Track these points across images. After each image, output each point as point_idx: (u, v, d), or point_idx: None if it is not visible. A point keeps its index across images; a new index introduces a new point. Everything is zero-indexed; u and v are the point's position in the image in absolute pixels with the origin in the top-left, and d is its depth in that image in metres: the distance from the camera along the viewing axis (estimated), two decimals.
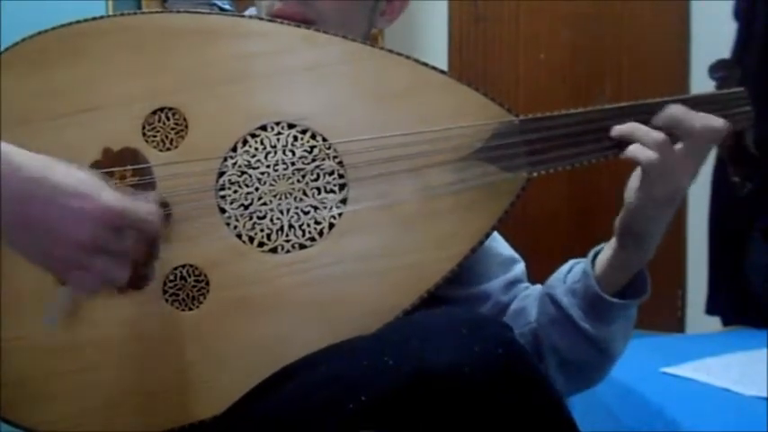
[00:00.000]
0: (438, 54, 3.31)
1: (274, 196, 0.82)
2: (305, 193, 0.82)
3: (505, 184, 0.84)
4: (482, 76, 3.33)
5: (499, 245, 1.03)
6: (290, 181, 0.83)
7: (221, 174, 0.82)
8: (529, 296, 0.98)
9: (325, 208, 0.82)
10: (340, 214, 0.82)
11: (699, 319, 2.35)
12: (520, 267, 1.02)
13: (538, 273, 0.98)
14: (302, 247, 0.82)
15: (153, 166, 0.82)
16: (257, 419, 0.77)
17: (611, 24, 3.23)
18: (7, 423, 0.80)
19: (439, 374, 0.68)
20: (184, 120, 0.83)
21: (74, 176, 0.69)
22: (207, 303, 0.81)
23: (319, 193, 0.83)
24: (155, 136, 0.83)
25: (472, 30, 3.37)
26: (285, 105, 0.84)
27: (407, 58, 0.86)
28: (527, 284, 1.01)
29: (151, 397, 0.80)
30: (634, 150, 0.82)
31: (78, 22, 0.85)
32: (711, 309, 2.10)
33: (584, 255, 0.95)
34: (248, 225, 0.82)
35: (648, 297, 0.90)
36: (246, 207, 0.82)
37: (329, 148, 0.83)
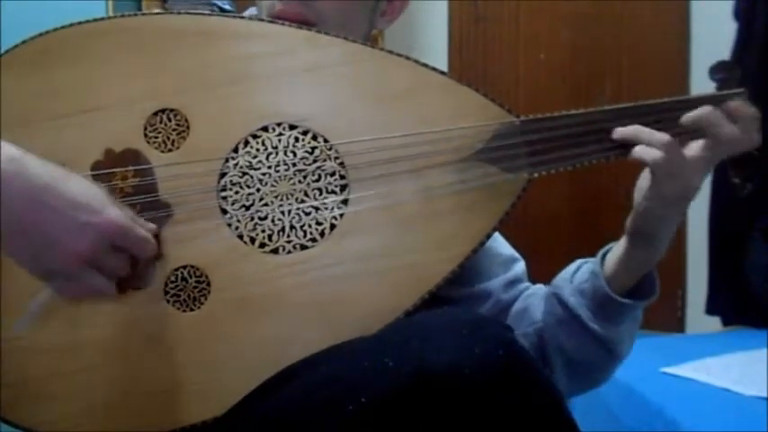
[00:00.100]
0: (438, 54, 3.31)
1: (276, 197, 0.82)
2: (306, 194, 0.83)
3: (506, 184, 0.84)
4: (482, 76, 3.32)
5: (499, 244, 1.03)
6: (292, 182, 0.83)
7: (223, 175, 0.82)
8: (532, 296, 0.98)
9: (326, 209, 0.82)
10: (341, 215, 0.82)
11: (699, 319, 2.35)
12: (520, 266, 1.03)
13: (539, 273, 0.99)
14: (303, 247, 0.82)
15: (154, 167, 0.82)
16: (258, 420, 0.77)
17: (611, 24, 3.22)
18: (7, 423, 0.80)
19: (439, 375, 0.68)
20: (186, 121, 0.83)
21: (82, 189, 0.70)
22: (208, 304, 0.81)
23: (320, 194, 0.83)
24: (156, 137, 0.83)
25: (472, 30, 3.37)
26: (286, 106, 0.84)
27: (408, 59, 0.86)
28: (527, 284, 1.01)
29: (151, 397, 0.80)
30: (640, 151, 0.83)
31: (79, 23, 0.85)
32: (711, 309, 2.10)
33: (584, 255, 0.95)
34: (249, 226, 0.82)
35: (657, 298, 0.90)
36: (248, 208, 0.82)
37: (330, 149, 0.83)
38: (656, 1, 3.13)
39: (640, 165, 0.84)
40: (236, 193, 0.82)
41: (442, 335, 0.71)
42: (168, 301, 0.81)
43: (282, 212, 0.82)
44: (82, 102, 0.83)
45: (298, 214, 0.82)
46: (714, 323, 2.12)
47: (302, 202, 0.82)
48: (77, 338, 0.80)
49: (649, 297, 0.90)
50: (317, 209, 0.82)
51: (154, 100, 0.83)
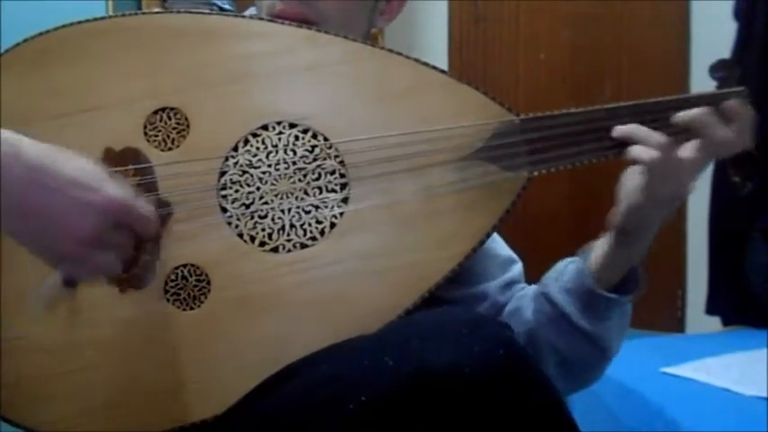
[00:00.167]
0: (438, 54, 3.31)
1: (276, 195, 0.82)
2: (306, 193, 0.83)
3: (506, 183, 0.84)
4: (482, 76, 3.33)
5: (498, 245, 1.03)
6: (292, 180, 0.83)
7: (223, 173, 0.82)
8: (524, 296, 0.98)
9: (326, 207, 0.82)
10: (341, 213, 0.82)
11: (699, 319, 2.35)
12: (518, 268, 1.03)
13: (537, 272, 0.98)
14: (303, 246, 0.82)
15: (154, 166, 0.82)
16: (258, 419, 0.77)
17: (611, 24, 3.23)
18: (7, 423, 0.80)
19: (439, 374, 0.68)
20: (186, 119, 0.83)
21: (79, 167, 0.69)
22: (208, 303, 0.81)
23: (320, 193, 0.83)
24: (156, 136, 0.83)
25: (472, 30, 3.37)
26: (286, 105, 0.84)
27: (408, 57, 0.86)
28: (524, 285, 1.01)
29: (151, 397, 0.80)
30: (637, 151, 0.83)
31: (79, 22, 0.85)
32: (711, 309, 2.09)
33: None
34: (249, 224, 0.82)
35: (643, 292, 0.90)
36: (248, 206, 0.82)
37: (330, 148, 0.83)
38: (656, 1, 3.13)
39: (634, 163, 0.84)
40: (236, 191, 0.82)
41: (441, 334, 0.71)
42: (168, 300, 0.81)
43: (282, 211, 0.82)
44: (82, 101, 0.83)
45: (298, 213, 0.82)
46: (714, 323, 2.12)
47: (302, 200, 0.82)
48: (77, 338, 0.80)
49: (635, 291, 0.90)
50: (317, 207, 0.82)
51: (154, 99, 0.83)
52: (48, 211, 0.67)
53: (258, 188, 0.82)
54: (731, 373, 1.40)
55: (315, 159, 0.83)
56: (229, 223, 0.82)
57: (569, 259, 0.94)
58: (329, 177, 0.83)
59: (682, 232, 3.03)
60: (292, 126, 0.83)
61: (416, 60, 0.86)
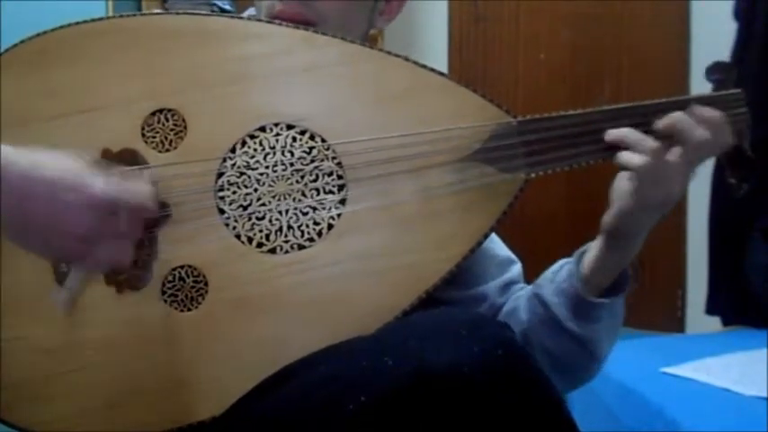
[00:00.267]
0: (438, 54, 3.31)
1: (273, 197, 0.82)
2: (304, 194, 0.83)
3: (504, 184, 0.84)
4: (482, 76, 3.33)
5: (496, 246, 1.03)
6: (289, 182, 0.83)
7: (220, 174, 0.82)
8: (520, 297, 0.98)
9: (323, 208, 0.82)
10: (339, 215, 0.82)
11: (699, 319, 2.35)
12: (516, 269, 1.02)
13: (535, 274, 0.98)
14: (301, 247, 0.82)
15: (152, 167, 0.82)
16: (256, 420, 0.77)
17: (611, 24, 3.23)
18: (5, 424, 0.80)
19: (438, 375, 0.68)
20: (183, 121, 0.83)
21: (62, 168, 0.69)
22: (205, 304, 0.81)
23: (318, 194, 0.83)
24: (154, 137, 0.83)
25: (472, 30, 3.37)
26: (284, 106, 0.84)
27: (406, 59, 0.86)
28: (522, 285, 1.01)
29: (150, 397, 0.80)
30: (626, 157, 0.83)
31: (77, 23, 0.85)
32: (711, 309, 2.09)
33: None
34: (247, 226, 0.82)
35: (631, 291, 0.90)
36: (245, 208, 0.82)
37: (328, 149, 0.83)
38: (656, 1, 3.13)
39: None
40: (234, 192, 0.82)
41: (441, 334, 0.71)
42: (166, 301, 0.81)
43: (280, 212, 0.82)
44: (79, 102, 0.83)
45: (295, 214, 0.82)
46: (714, 323, 2.12)
47: (300, 201, 0.82)
48: (75, 339, 0.80)
49: (622, 292, 0.90)
50: (314, 209, 0.82)
51: (151, 100, 0.83)
52: (41, 218, 0.68)
53: (256, 189, 0.82)
54: (731, 373, 1.40)
55: (312, 161, 0.83)
56: (227, 224, 0.82)
57: (565, 260, 0.94)
58: (327, 179, 0.83)
59: (682, 232, 3.02)
60: (290, 127, 0.83)
61: (414, 62, 0.86)
